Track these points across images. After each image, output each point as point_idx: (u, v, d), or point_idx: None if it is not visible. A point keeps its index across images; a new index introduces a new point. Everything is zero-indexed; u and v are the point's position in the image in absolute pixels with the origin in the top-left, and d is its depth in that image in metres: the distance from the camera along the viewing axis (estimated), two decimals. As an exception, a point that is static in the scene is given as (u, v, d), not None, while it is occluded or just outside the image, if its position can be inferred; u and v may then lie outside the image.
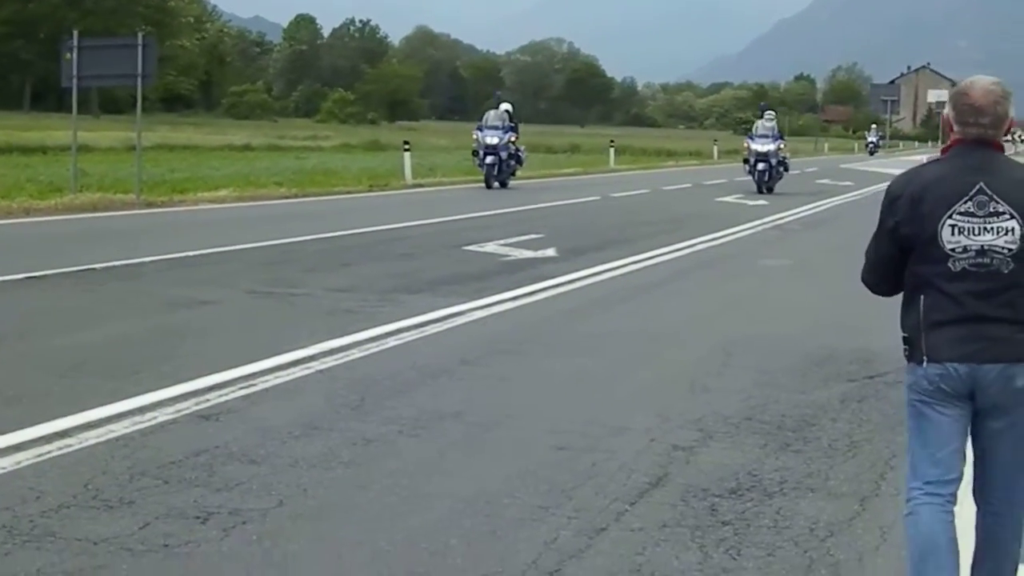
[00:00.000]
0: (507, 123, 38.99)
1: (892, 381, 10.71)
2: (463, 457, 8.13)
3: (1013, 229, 5.15)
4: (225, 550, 6.23)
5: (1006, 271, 5.17)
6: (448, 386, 10.22)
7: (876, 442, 8.80)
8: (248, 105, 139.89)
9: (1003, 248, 5.16)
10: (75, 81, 28.89)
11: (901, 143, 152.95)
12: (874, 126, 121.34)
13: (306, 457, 7.91)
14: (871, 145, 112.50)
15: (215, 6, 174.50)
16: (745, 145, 42.41)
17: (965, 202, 5.18)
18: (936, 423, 5.29)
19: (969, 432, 5.36)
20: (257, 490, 7.20)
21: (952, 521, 5.29)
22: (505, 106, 40.12)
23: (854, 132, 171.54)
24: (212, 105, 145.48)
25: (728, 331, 13.29)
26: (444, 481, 7.54)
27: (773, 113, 43.40)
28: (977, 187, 5.17)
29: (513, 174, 39.70)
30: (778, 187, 41.80)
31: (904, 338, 5.39)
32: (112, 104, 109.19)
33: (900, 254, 5.36)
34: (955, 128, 5.30)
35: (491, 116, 39.18)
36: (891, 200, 5.35)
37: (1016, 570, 5.54)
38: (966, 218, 5.17)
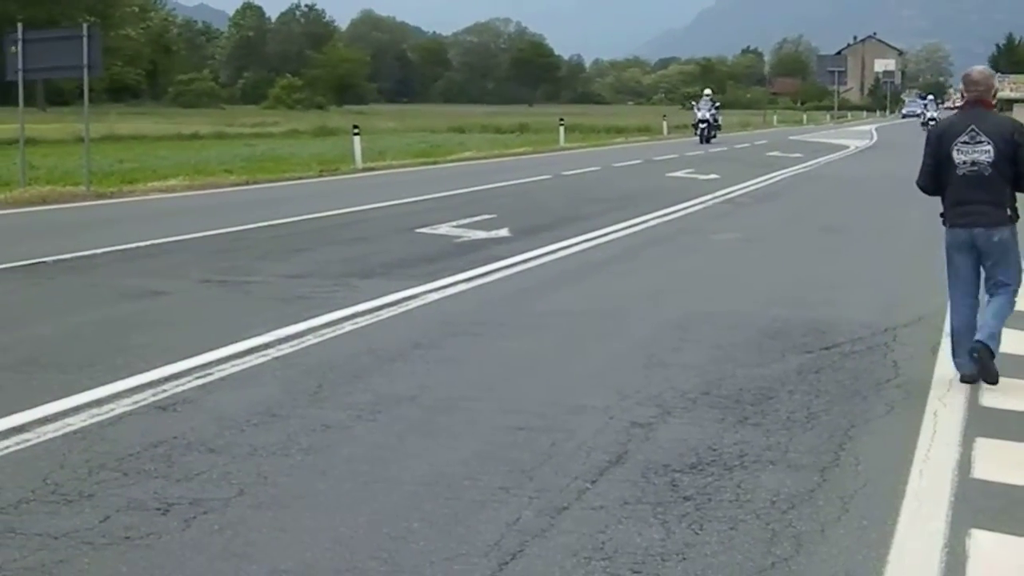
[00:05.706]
0: None
1: (847, 352, 10.78)
2: (421, 440, 8.11)
3: (989, 150, 9.54)
4: (187, 541, 6.20)
5: (987, 174, 9.57)
6: (404, 370, 10.20)
7: (834, 413, 8.83)
8: (195, 93, 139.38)
9: (985, 161, 9.56)
10: (20, 74, 28.70)
11: (849, 113, 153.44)
12: (708, 93, 66.91)
13: (265, 445, 7.89)
14: (703, 127, 63.60)
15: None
16: None
17: (963, 136, 9.63)
18: (958, 262, 9.80)
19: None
20: (217, 479, 7.17)
21: (975, 311, 9.75)
22: None
23: (802, 104, 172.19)
24: (159, 94, 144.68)
25: (682, 307, 13.33)
26: (403, 465, 7.53)
27: None
28: (970, 127, 9.63)
29: None
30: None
31: (941, 213, 9.96)
32: (58, 96, 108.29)
33: (936, 164, 9.82)
34: (965, 94, 9.83)
35: None
36: (928, 136, 10.08)
37: (1004, 318, 9.81)
38: (965, 145, 9.62)
